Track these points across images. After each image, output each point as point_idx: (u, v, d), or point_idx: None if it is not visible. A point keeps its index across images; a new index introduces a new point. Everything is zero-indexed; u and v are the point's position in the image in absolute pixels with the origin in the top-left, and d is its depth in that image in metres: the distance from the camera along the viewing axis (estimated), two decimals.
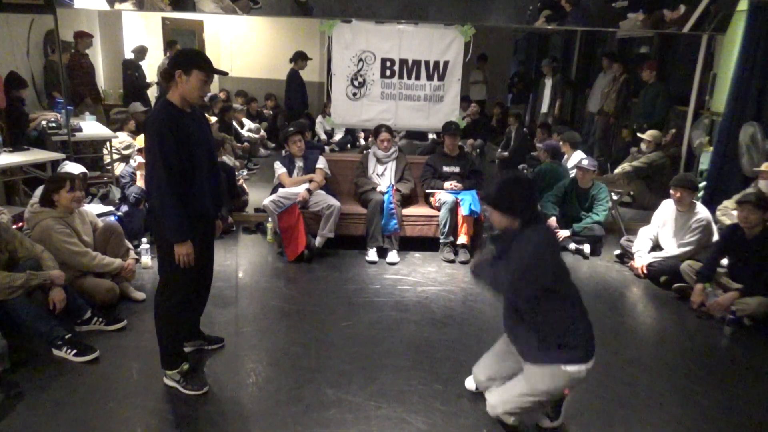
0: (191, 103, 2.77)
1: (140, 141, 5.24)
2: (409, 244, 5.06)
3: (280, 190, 4.92)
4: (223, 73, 3.12)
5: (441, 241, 4.99)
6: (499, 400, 2.56)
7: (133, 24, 8.97)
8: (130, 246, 3.99)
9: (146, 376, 2.99)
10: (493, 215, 2.46)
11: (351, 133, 9.08)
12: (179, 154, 2.65)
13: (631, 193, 6.61)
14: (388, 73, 5.61)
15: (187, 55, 2.78)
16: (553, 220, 5.26)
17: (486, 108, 9.60)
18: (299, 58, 7.96)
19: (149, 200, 2.82)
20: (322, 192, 4.92)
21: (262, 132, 8.94)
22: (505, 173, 2.71)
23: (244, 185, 6.17)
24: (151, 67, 8.37)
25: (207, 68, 2.73)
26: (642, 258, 4.71)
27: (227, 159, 6.26)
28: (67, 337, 3.13)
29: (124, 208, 4.81)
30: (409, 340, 3.53)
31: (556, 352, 2.38)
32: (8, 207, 4.72)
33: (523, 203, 2.38)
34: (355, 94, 5.67)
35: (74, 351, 3.11)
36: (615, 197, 5.96)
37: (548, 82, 8.73)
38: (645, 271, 4.66)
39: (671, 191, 4.55)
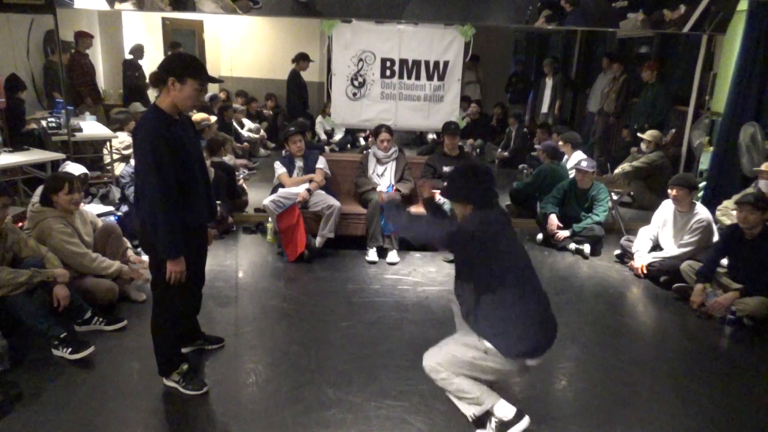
0: (181, 110, 2.68)
1: None
2: (409, 244, 5.06)
3: (280, 190, 4.92)
4: (219, 81, 3.10)
5: None
6: (432, 356, 2.53)
7: (133, 24, 8.97)
8: (129, 245, 3.99)
9: (146, 376, 2.99)
10: (453, 206, 2.58)
11: (351, 133, 9.08)
12: (174, 164, 2.55)
13: (631, 193, 6.62)
14: (388, 73, 5.61)
15: (181, 62, 2.65)
16: (553, 218, 5.26)
17: (482, 107, 9.60)
18: (301, 59, 7.98)
19: (139, 210, 2.70)
20: (322, 192, 4.92)
21: (262, 132, 8.94)
22: (459, 164, 2.77)
23: (244, 185, 6.17)
24: (152, 68, 8.37)
25: (203, 77, 2.61)
26: (642, 258, 4.71)
27: (228, 159, 6.27)
28: (62, 336, 3.13)
29: (124, 208, 4.81)
30: (409, 340, 3.53)
31: (490, 329, 2.38)
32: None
33: (473, 191, 2.47)
34: (355, 94, 5.67)
35: (69, 349, 3.10)
36: (615, 197, 5.96)
37: (549, 82, 8.73)
38: (645, 271, 4.66)
39: (669, 190, 4.56)
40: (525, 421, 2.46)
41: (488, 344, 2.38)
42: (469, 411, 2.50)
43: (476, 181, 2.49)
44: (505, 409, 2.47)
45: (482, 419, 2.51)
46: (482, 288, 2.41)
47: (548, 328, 2.48)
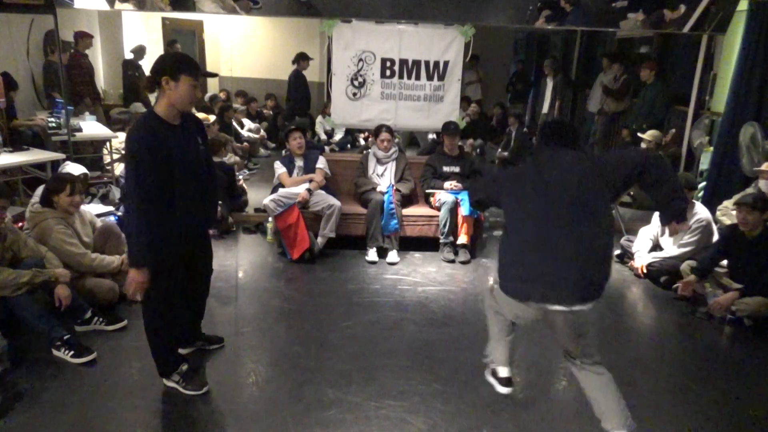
0: (181, 111, 2.61)
1: None
2: (409, 244, 5.06)
3: (281, 189, 4.92)
4: (213, 75, 3.10)
5: (441, 241, 4.99)
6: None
7: (133, 24, 8.97)
8: None
9: (146, 376, 2.99)
10: None
11: (351, 133, 9.08)
12: (157, 174, 2.47)
13: (631, 193, 6.62)
14: (388, 73, 5.60)
15: (172, 60, 2.63)
16: None
17: (482, 107, 9.60)
18: (301, 58, 7.97)
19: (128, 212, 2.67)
20: (323, 192, 4.92)
21: (262, 132, 8.94)
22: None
23: (244, 185, 6.17)
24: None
25: (195, 71, 2.57)
26: (642, 258, 4.71)
27: (228, 158, 6.26)
28: (65, 337, 3.13)
29: (124, 208, 4.80)
30: (409, 340, 3.53)
31: (500, 270, 2.56)
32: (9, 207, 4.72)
33: (541, 134, 2.77)
34: (355, 94, 5.67)
35: (71, 352, 3.10)
36: None
37: (549, 82, 8.73)
38: (645, 271, 4.66)
39: None
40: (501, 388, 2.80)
41: (497, 288, 2.57)
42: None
43: (548, 127, 2.68)
44: (497, 359, 2.84)
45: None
46: (504, 235, 2.60)
47: (553, 281, 2.40)
